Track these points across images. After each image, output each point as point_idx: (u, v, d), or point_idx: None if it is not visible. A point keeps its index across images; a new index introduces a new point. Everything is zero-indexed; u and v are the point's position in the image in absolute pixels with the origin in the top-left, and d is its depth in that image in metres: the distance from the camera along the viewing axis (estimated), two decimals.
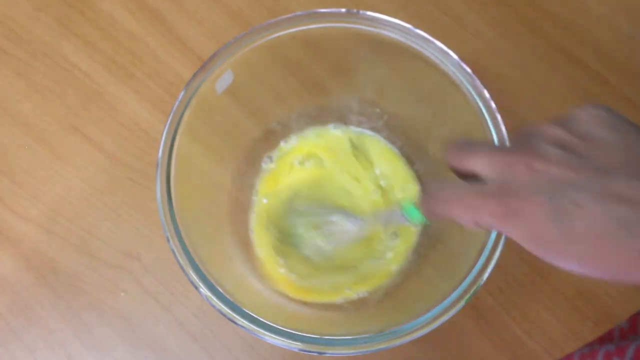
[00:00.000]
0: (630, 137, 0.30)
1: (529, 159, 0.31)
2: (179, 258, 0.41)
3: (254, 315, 0.40)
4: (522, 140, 0.33)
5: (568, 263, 0.30)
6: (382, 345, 0.39)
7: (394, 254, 0.51)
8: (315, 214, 0.51)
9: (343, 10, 0.44)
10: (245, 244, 0.52)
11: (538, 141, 0.31)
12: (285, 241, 0.51)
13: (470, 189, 0.33)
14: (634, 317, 0.55)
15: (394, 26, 0.44)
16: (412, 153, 0.54)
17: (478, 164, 0.33)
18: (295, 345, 0.39)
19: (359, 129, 0.55)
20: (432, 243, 0.51)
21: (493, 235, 0.40)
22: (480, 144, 0.34)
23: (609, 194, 0.28)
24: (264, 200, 0.53)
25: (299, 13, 0.45)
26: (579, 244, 0.28)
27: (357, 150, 0.53)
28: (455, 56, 0.43)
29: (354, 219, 0.46)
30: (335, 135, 0.54)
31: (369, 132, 0.55)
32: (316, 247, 0.49)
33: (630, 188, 0.27)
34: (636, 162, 0.29)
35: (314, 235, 0.49)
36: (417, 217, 0.39)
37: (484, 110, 0.42)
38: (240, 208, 0.53)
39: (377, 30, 0.45)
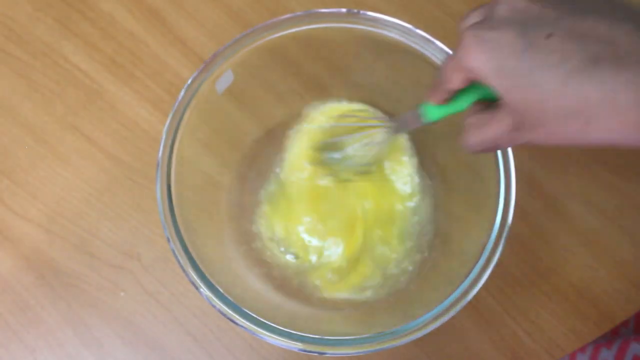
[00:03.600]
0: None
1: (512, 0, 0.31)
2: (179, 258, 0.41)
3: (254, 315, 0.40)
4: None
5: (530, 99, 0.30)
6: (383, 345, 0.39)
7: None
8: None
9: (343, 10, 0.44)
10: (245, 244, 0.52)
11: None
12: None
13: None
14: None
15: (394, 26, 0.44)
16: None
17: (473, 17, 0.33)
18: (295, 345, 0.39)
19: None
20: (432, 243, 0.51)
21: (493, 235, 0.40)
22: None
23: (582, 32, 0.28)
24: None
25: (299, 13, 0.45)
26: (547, 76, 0.29)
27: None
28: None
29: (378, 119, 0.46)
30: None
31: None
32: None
33: (602, 28, 0.28)
34: (606, 7, 0.30)
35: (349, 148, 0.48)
36: (431, 110, 0.39)
37: None
38: (240, 208, 0.53)
39: (378, 30, 0.45)
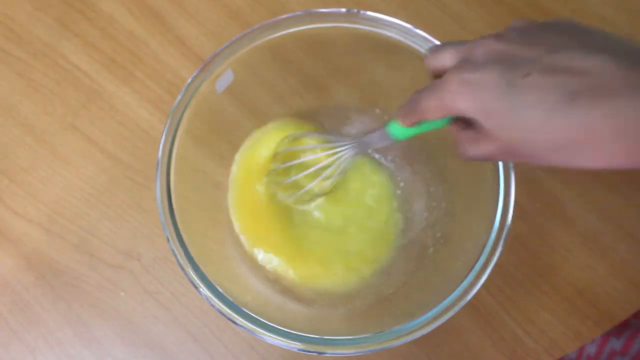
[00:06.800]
0: (575, 25, 0.32)
1: (489, 40, 0.32)
2: (179, 258, 0.41)
3: (254, 315, 0.40)
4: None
5: (516, 137, 0.31)
6: (382, 345, 0.39)
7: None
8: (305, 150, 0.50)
9: (343, 10, 0.44)
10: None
11: (501, 31, 0.34)
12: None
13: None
14: None
15: (394, 26, 0.44)
16: (411, 153, 0.54)
17: (448, 57, 0.35)
18: (295, 345, 0.39)
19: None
20: (432, 243, 0.51)
21: (493, 235, 0.40)
22: (454, 42, 0.36)
23: (558, 68, 0.29)
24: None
25: (299, 13, 0.45)
26: (528, 115, 0.30)
27: None
28: None
29: (342, 140, 0.45)
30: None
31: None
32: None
33: (577, 61, 0.29)
34: (582, 40, 0.30)
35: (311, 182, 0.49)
36: (399, 130, 0.39)
37: None
38: None
39: (377, 30, 0.45)
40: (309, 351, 0.39)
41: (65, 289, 0.53)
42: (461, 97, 0.32)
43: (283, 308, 0.48)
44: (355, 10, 0.44)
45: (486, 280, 0.40)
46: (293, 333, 0.40)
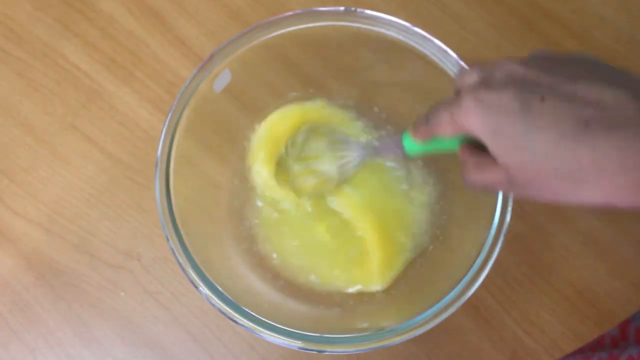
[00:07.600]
0: (590, 59, 0.33)
1: (511, 63, 0.32)
2: (179, 258, 0.41)
3: (254, 314, 0.40)
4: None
5: (520, 161, 0.31)
6: (382, 344, 0.39)
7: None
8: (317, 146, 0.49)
9: (342, 9, 0.44)
10: (245, 243, 0.52)
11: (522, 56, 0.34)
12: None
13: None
14: (625, 324, 0.55)
15: (393, 25, 0.44)
16: None
17: (471, 75, 0.34)
18: (295, 344, 0.39)
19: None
20: (431, 241, 0.51)
21: (492, 233, 0.40)
22: (482, 62, 0.36)
23: (575, 96, 0.29)
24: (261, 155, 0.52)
25: (297, 12, 0.45)
26: (538, 139, 0.29)
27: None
28: (454, 55, 0.43)
29: (355, 145, 0.46)
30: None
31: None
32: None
33: (594, 92, 0.29)
34: (601, 74, 0.31)
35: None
36: (411, 143, 0.40)
37: None
38: (239, 207, 0.53)
39: (376, 29, 0.45)
40: (308, 349, 0.39)
41: (65, 289, 0.53)
42: (472, 115, 0.32)
43: (282, 306, 0.48)
44: (354, 9, 0.44)
45: (486, 280, 0.40)
46: (293, 331, 0.40)
